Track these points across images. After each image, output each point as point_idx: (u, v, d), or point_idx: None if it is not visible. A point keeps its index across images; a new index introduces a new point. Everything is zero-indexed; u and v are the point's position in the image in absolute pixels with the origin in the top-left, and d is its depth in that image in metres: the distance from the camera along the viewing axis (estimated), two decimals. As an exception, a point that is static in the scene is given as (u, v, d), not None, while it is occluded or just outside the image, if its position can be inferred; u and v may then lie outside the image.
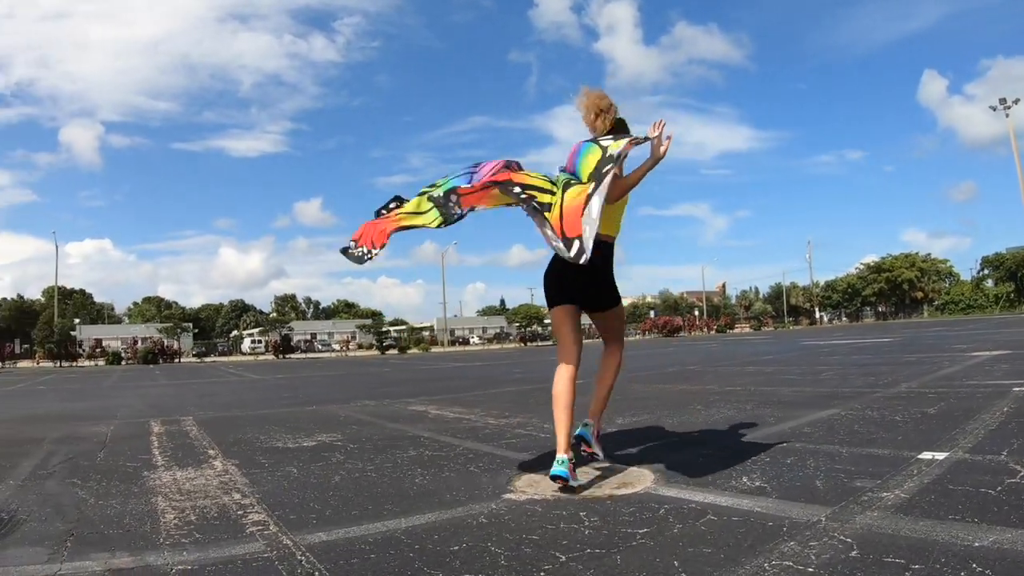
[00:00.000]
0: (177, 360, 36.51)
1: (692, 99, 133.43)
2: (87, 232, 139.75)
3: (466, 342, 56.09)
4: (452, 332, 57.08)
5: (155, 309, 70.37)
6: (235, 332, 65.01)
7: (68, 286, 68.81)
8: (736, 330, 52.36)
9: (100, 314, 70.19)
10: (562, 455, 2.46)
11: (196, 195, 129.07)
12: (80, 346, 40.53)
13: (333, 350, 49.70)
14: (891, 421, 3.70)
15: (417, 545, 1.93)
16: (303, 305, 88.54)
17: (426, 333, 53.25)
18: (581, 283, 2.72)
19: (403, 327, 51.47)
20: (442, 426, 4.74)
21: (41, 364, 36.93)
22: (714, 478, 2.59)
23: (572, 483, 2.47)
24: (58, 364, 35.52)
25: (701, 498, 2.30)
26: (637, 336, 45.34)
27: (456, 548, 1.88)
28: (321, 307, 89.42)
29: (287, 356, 37.49)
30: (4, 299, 68.06)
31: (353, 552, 1.89)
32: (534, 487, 2.61)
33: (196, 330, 60.39)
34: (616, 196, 2.67)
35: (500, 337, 56.01)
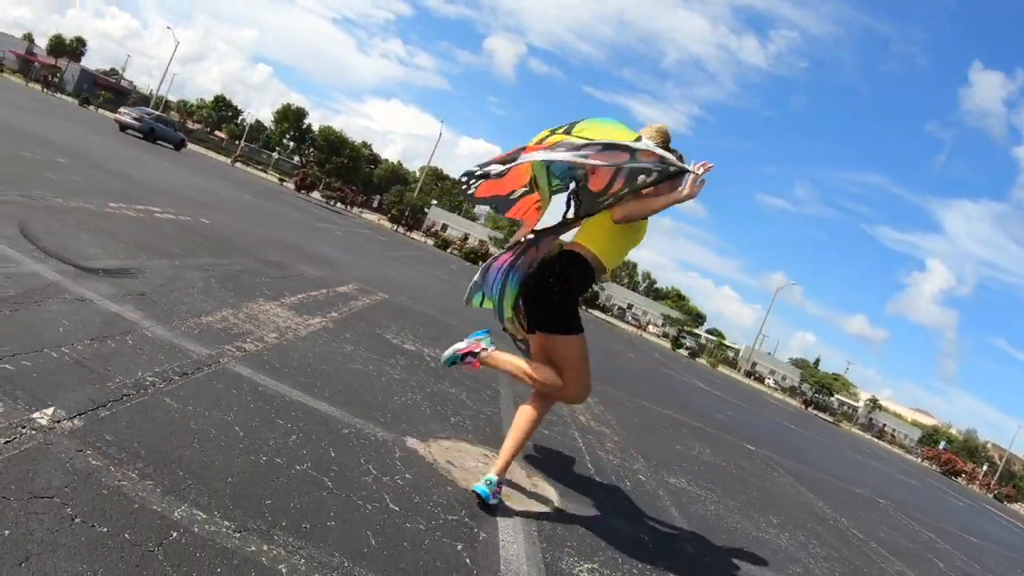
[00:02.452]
0: None
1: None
2: (483, 132, 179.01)
3: (761, 379, 57.73)
4: (753, 364, 59.86)
5: (507, 222, 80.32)
6: None
7: (444, 170, 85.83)
8: (1016, 506, 48.47)
9: (460, 205, 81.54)
10: (492, 476, 2.64)
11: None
12: (425, 224, 49.95)
13: (631, 323, 57.19)
14: None
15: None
16: (639, 277, 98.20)
17: (731, 354, 56.74)
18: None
19: (714, 338, 57.12)
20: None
21: (381, 222, 44.39)
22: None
23: (491, 502, 2.60)
24: (395, 228, 42.25)
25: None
26: (916, 458, 43.25)
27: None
28: (654, 286, 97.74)
29: (588, 309, 41.12)
30: (386, 160, 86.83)
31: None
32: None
33: (610, 270, 70.19)
34: (632, 211, 2.58)
35: (793, 391, 56.79)
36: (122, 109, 31.17)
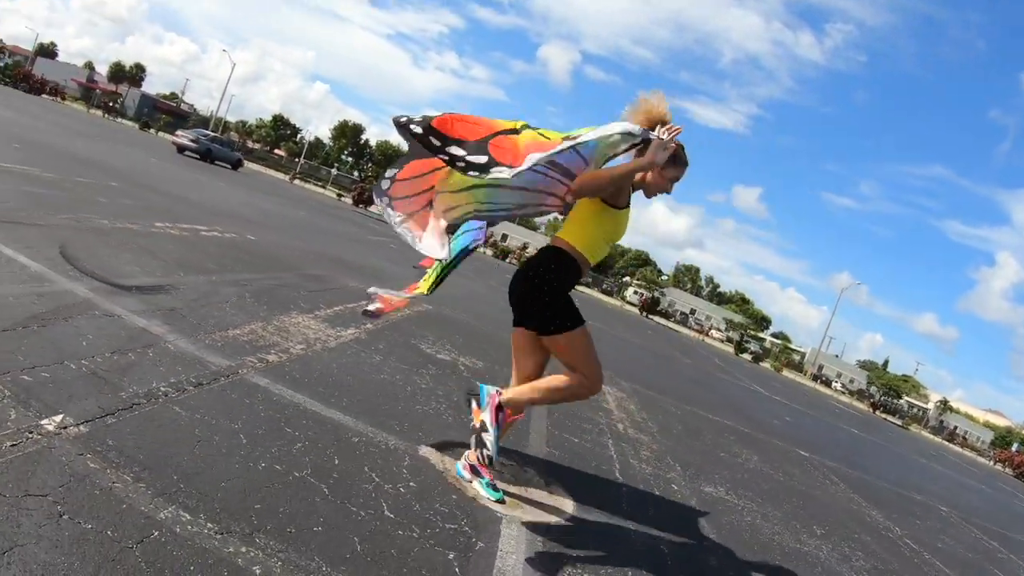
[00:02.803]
0: None
1: None
2: None
3: (828, 383, 57.05)
4: (820, 368, 59.23)
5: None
6: (627, 279, 75.36)
7: None
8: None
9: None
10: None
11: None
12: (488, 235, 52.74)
13: (693, 328, 57.01)
14: None
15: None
16: (702, 281, 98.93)
17: (796, 357, 56.61)
18: None
19: (779, 342, 57.52)
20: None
21: None
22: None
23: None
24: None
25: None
26: (988, 461, 40.91)
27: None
28: (718, 291, 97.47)
29: (649, 315, 43.12)
30: None
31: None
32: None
33: (594, 265, 73.01)
34: (587, 185, 2.48)
35: (861, 394, 55.63)
36: (179, 132, 33.03)
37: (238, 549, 1.82)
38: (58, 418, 2.18)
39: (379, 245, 16.25)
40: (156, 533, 1.76)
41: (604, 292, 54.85)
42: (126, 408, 2.44)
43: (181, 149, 30.40)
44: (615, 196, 2.62)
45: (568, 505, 3.15)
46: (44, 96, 52.45)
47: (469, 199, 2.85)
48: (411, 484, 2.73)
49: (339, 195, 47.64)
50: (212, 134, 35.29)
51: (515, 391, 2.80)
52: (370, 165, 77.07)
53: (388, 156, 68.45)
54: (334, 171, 68.28)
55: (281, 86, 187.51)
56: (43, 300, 3.30)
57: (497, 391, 2.78)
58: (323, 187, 55.09)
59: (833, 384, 58.84)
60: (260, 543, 1.88)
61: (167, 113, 68.03)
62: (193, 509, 1.93)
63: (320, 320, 5.18)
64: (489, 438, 2.67)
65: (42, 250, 4.25)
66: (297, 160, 64.84)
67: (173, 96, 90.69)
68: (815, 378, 52.62)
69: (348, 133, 79.38)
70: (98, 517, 1.73)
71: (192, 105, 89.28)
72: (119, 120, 56.16)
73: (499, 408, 2.72)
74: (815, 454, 8.65)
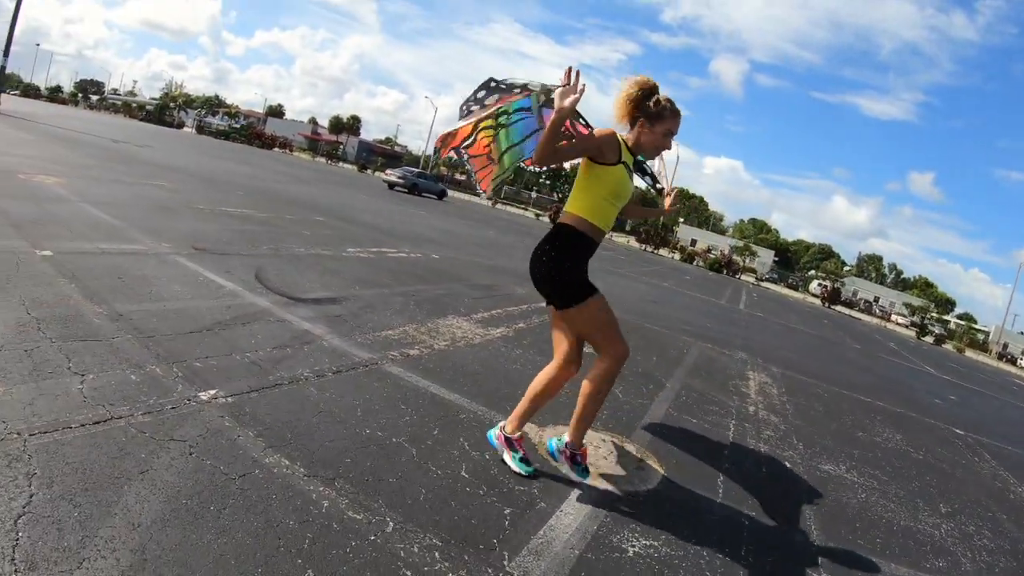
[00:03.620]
0: (737, 276, 43.38)
1: None
2: (724, 150, 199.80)
3: (1013, 361, 53.23)
4: (1005, 346, 58.84)
5: (752, 229, 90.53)
6: (812, 272, 76.46)
7: (691, 190, 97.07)
8: None
9: (708, 220, 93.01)
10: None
11: (822, 142, 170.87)
12: (675, 240, 55.74)
13: (875, 315, 57.00)
14: None
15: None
16: (885, 269, 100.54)
17: (980, 337, 56.46)
18: None
19: (963, 323, 58.28)
20: None
21: (630, 243, 49.46)
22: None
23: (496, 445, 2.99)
24: (644, 248, 45.82)
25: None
26: None
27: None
28: (901, 277, 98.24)
29: (832, 306, 43.17)
30: (637, 187, 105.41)
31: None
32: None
33: (777, 259, 76.10)
34: (538, 152, 2.52)
35: None
36: (388, 170, 38.05)
37: (316, 488, 2.29)
38: (212, 391, 2.88)
39: None
40: (257, 471, 2.30)
41: (789, 287, 54.97)
42: (269, 387, 3.11)
43: (391, 186, 34.99)
44: (599, 153, 2.68)
45: (655, 479, 3.23)
46: (275, 149, 62.46)
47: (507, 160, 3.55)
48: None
49: (537, 215, 51.49)
50: (417, 170, 39.90)
51: (572, 425, 2.93)
52: (566, 186, 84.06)
53: None
54: (534, 193, 74.98)
55: None
56: (228, 311, 4.22)
57: (566, 444, 2.97)
58: (525, 208, 60.29)
59: (1019, 362, 52.14)
60: (337, 486, 2.34)
61: (382, 155, 77.29)
62: (293, 458, 2.46)
63: (474, 322, 5.74)
64: (511, 463, 2.92)
65: (239, 274, 5.36)
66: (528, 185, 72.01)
67: (388, 140, 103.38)
68: (1000, 356, 50.95)
69: None
70: (217, 457, 2.32)
71: (405, 147, 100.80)
72: (340, 165, 65.07)
73: (573, 456, 2.95)
74: (972, 432, 7.57)
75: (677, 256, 45.14)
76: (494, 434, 3.05)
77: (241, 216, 9.06)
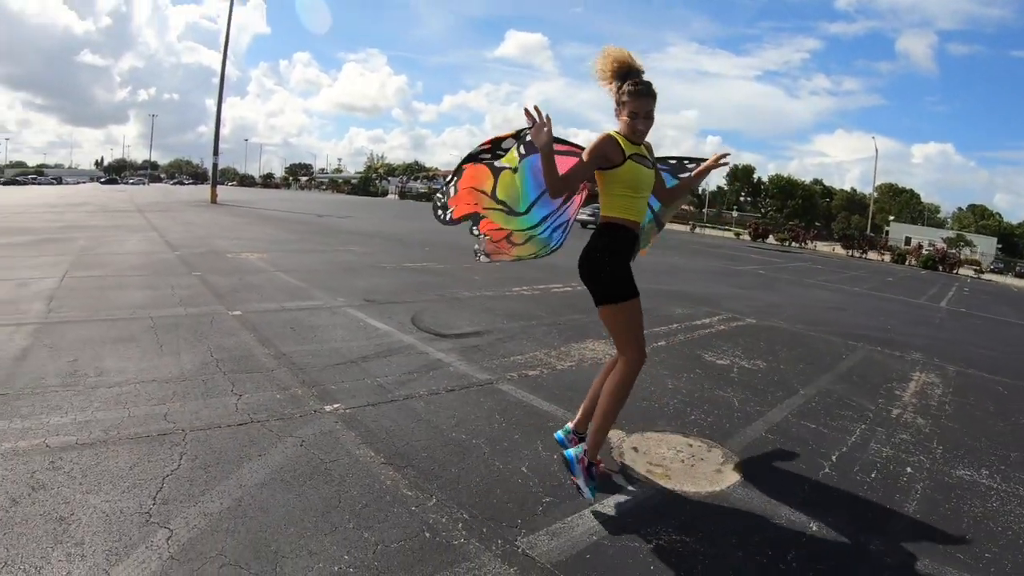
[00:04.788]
0: (954, 271, 39.40)
1: None
2: (932, 135, 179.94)
3: None
4: None
5: (972, 216, 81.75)
6: None
7: (900, 184, 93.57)
8: None
9: (921, 215, 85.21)
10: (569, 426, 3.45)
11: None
12: (886, 240, 51.15)
13: None
14: None
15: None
16: None
17: None
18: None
19: None
20: None
21: (835, 251, 48.04)
22: None
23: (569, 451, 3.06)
24: (850, 253, 45.47)
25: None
26: None
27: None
28: None
29: None
30: (840, 189, 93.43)
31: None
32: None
33: (1000, 246, 67.58)
34: (548, 186, 2.90)
35: None
36: (580, 211, 40.24)
37: (387, 472, 3.01)
38: (336, 405, 3.79)
39: (740, 275, 16.34)
40: (345, 459, 3.09)
41: (1018, 276, 48.41)
42: (384, 402, 3.95)
43: (584, 224, 36.41)
44: (605, 160, 2.94)
45: (729, 481, 3.37)
46: None
47: (531, 247, 4.07)
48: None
49: (737, 234, 50.78)
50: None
51: (590, 434, 3.10)
52: (767, 200, 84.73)
53: (781, 187, 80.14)
54: (735, 213, 75.66)
55: (677, 147, 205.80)
56: (375, 347, 5.23)
57: (583, 452, 3.05)
58: (727, 229, 60.48)
59: None
60: (405, 472, 3.03)
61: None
62: (378, 450, 3.22)
63: (610, 344, 6.17)
64: (585, 490, 2.99)
65: (398, 318, 6.44)
66: (693, 210, 71.45)
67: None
68: None
69: (740, 176, 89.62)
70: (320, 448, 3.17)
71: None
72: None
73: (589, 467, 3.01)
74: None
75: (888, 257, 43.11)
76: (564, 436, 3.38)
77: (420, 269, 10.50)
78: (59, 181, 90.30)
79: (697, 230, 57.47)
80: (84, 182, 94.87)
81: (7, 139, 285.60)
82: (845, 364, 6.54)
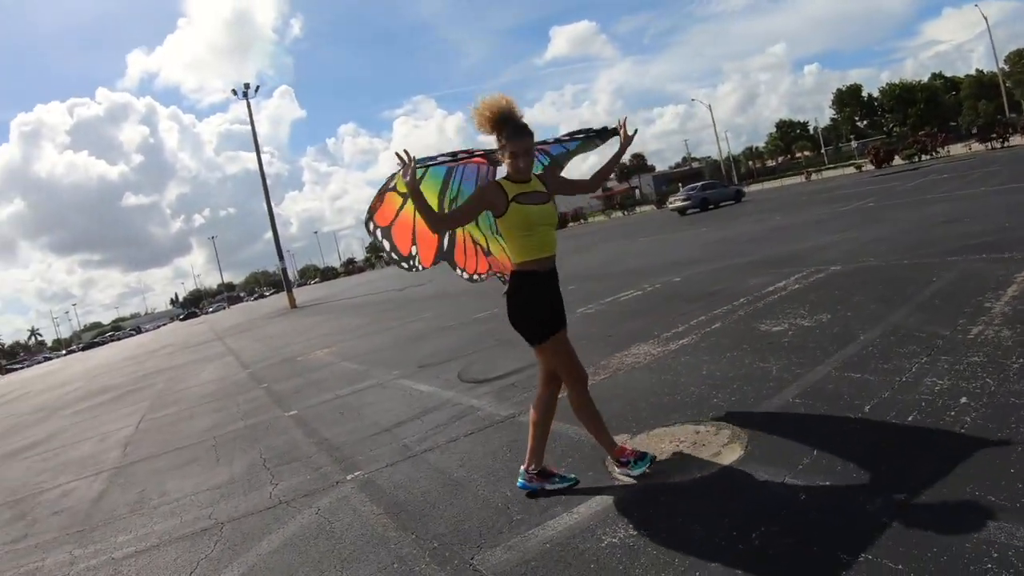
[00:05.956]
0: None
1: None
2: None
3: None
4: None
5: None
6: None
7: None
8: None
9: None
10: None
11: None
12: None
13: None
14: None
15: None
16: None
17: None
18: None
19: None
20: None
21: (973, 149, 44.87)
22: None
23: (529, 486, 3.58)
24: (988, 147, 42.76)
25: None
26: None
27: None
28: None
29: None
30: (964, 76, 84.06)
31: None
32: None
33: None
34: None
35: None
36: (671, 198, 39.91)
37: (381, 521, 3.63)
38: (357, 472, 4.51)
39: (840, 217, 15.56)
40: (350, 517, 3.76)
41: None
42: (401, 460, 4.59)
43: (682, 212, 35.95)
44: (491, 207, 3.39)
45: (722, 463, 3.47)
46: (569, 225, 69.12)
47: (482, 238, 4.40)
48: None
49: (858, 167, 48.16)
50: (703, 183, 40.45)
51: (530, 449, 3.63)
52: (887, 116, 79.32)
53: (898, 97, 73.82)
54: (854, 144, 71.68)
55: (775, 90, 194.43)
56: (412, 411, 5.94)
57: (526, 473, 3.64)
58: (848, 165, 57.02)
59: None
60: (398, 518, 3.64)
61: (680, 179, 79.16)
62: (380, 504, 3.86)
63: (660, 342, 6.44)
64: (555, 487, 3.57)
65: (445, 376, 7.15)
66: (805, 154, 67.57)
67: (684, 160, 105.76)
68: None
69: (846, 98, 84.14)
70: (331, 513, 3.87)
71: (705, 158, 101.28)
72: (637, 211, 70.10)
73: (541, 473, 3.60)
74: None
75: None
76: (524, 479, 3.63)
77: (485, 318, 11.15)
78: (138, 331, 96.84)
79: (814, 176, 55.15)
80: (164, 324, 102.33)
81: (74, 305, 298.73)
82: (930, 290, 6.25)
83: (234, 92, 39.47)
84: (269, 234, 39.14)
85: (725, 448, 3.64)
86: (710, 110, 73.57)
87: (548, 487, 3.55)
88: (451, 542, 3.23)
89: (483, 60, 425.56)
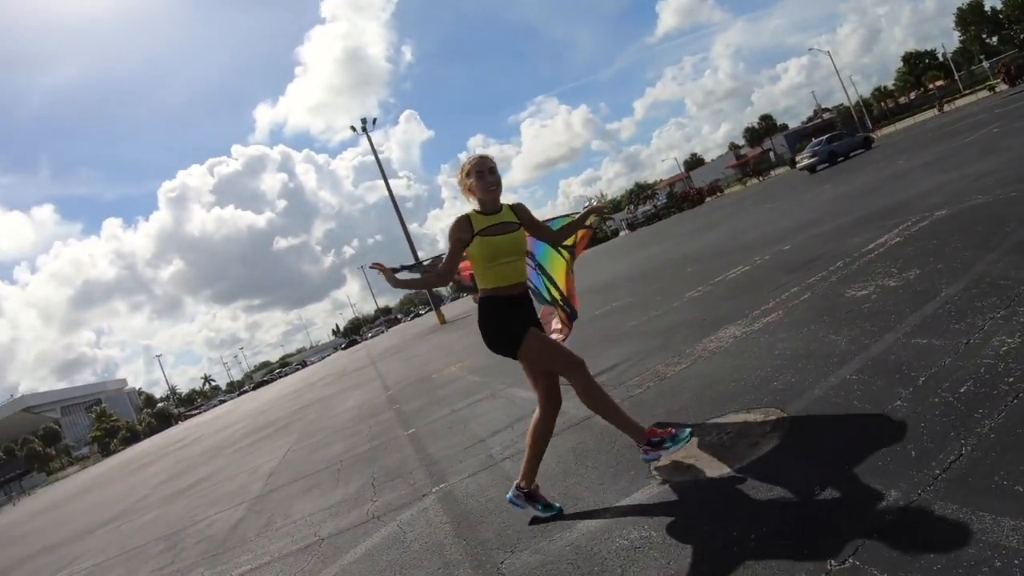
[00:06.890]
0: None
1: None
2: None
3: None
4: None
5: None
6: None
7: None
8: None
9: None
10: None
11: None
12: None
13: None
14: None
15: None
16: None
17: None
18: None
19: None
20: None
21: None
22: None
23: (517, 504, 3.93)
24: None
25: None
26: None
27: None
28: None
29: None
30: None
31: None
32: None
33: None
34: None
35: None
36: (797, 157, 38.28)
37: (445, 530, 4.22)
38: (442, 484, 5.16)
39: (958, 152, 14.37)
40: (424, 527, 4.40)
41: None
42: (483, 469, 5.16)
43: (812, 169, 34.23)
44: (463, 242, 3.76)
45: (755, 455, 3.58)
46: (707, 200, 67.39)
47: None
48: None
49: (991, 88, 45.64)
50: (825, 137, 38.37)
51: (523, 468, 3.97)
52: (1015, 27, 76.48)
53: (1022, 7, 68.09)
54: (986, 64, 69.34)
55: (894, 25, 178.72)
56: (509, 419, 6.46)
57: (514, 493, 3.98)
58: (980, 89, 55.41)
59: None
60: (459, 527, 4.20)
61: (814, 134, 74.56)
62: (450, 513, 4.46)
63: (748, 321, 6.42)
64: (538, 512, 3.89)
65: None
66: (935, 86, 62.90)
67: (815, 113, 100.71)
68: None
69: (969, 16, 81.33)
70: (409, 524, 4.52)
71: (836, 107, 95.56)
72: (772, 174, 68.21)
73: (528, 496, 3.94)
74: None
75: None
76: (513, 495, 3.93)
77: (602, 314, 11.32)
78: (303, 364, 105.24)
79: (947, 107, 51.72)
80: (327, 354, 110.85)
81: (241, 348, 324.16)
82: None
83: (352, 129, 41.84)
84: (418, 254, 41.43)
85: (764, 438, 3.72)
86: (830, 56, 72.38)
87: (532, 510, 3.88)
88: (492, 547, 3.71)
89: (594, 49, 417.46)
